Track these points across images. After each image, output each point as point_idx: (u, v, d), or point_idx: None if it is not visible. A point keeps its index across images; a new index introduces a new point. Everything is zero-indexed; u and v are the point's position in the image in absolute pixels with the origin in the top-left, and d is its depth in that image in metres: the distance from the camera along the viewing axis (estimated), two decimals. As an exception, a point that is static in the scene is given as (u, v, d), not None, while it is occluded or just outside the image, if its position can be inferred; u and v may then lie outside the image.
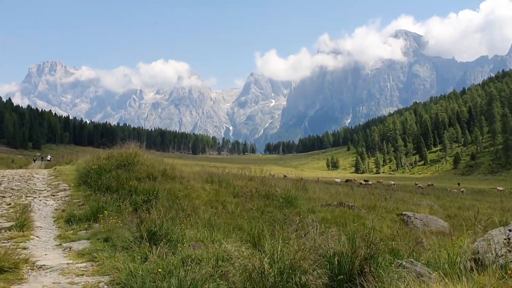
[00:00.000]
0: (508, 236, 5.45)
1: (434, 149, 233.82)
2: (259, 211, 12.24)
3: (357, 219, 12.32)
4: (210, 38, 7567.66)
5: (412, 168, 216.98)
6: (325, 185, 36.71)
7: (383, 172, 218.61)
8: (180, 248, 7.46)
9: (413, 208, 17.03)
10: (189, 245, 7.70)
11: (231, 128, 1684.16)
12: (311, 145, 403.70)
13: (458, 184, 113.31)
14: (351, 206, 14.59)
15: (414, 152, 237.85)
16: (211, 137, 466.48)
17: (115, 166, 15.97)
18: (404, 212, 14.24)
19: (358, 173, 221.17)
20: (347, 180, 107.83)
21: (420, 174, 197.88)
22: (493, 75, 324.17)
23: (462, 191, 76.25)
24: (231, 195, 14.72)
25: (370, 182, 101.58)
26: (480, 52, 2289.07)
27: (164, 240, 8.18)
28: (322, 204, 14.48)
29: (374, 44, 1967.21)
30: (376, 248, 5.85)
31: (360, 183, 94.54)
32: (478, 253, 5.35)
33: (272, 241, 6.58)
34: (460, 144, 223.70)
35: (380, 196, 22.87)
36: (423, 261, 6.15)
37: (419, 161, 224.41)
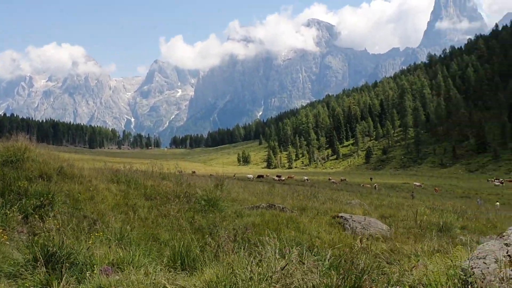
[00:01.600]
0: (507, 252, 4.75)
1: (346, 143, 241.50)
2: (178, 217, 11.00)
3: (291, 223, 11.52)
4: (109, 20, 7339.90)
5: (325, 162, 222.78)
6: (244, 183, 35.97)
7: (296, 167, 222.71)
8: (89, 276, 5.99)
9: (346, 208, 16.57)
10: (100, 271, 6.17)
11: (132, 119, 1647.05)
12: (221, 139, 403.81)
13: (371, 179, 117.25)
14: (282, 208, 13.77)
15: (327, 146, 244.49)
16: (110, 129, 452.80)
17: (0, 163, 14.03)
18: (340, 214, 13.63)
19: (270, 168, 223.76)
20: (259, 176, 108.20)
21: (332, 168, 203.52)
22: (404, 67, 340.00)
23: (375, 187, 78.61)
24: (143, 198, 13.35)
25: (283, 178, 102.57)
26: (393, 44, 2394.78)
27: (67, 263, 6.49)
28: (249, 207, 13.55)
29: (286, 33, 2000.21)
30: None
31: (273, 179, 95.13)
32: (474, 275, 4.57)
33: (214, 265, 5.45)
34: (372, 138, 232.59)
35: (307, 195, 22.37)
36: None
37: (332, 155, 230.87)
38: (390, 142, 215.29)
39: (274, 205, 13.86)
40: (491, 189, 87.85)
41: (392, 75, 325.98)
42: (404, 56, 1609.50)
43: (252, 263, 5.19)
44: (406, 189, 78.45)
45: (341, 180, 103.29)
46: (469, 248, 6.89)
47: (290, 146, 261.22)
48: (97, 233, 8.04)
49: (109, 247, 7.13)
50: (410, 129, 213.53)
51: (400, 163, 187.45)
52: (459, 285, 4.64)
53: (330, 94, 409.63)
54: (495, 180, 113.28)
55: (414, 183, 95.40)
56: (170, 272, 6.34)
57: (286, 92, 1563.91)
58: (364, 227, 12.40)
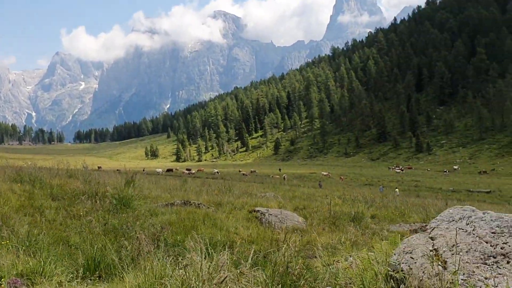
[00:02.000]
0: (433, 246, 4.78)
1: (255, 135, 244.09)
2: (88, 218, 10.40)
3: (208, 220, 11.27)
4: (6, 9, 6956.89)
5: (235, 154, 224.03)
6: (154, 178, 35.23)
7: (205, 160, 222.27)
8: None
9: (262, 201, 16.53)
10: (8, 284, 5.49)
11: (33, 114, 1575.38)
12: (127, 133, 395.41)
13: (280, 169, 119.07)
14: (198, 204, 13.48)
15: (236, 138, 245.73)
16: (10, 124, 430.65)
17: None
18: (257, 209, 13.54)
19: (179, 161, 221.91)
20: (168, 170, 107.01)
21: (242, 160, 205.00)
22: (309, 60, 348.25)
23: (284, 177, 79.88)
24: (49, 198, 12.56)
25: (193, 171, 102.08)
26: (297, 36, 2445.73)
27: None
28: (163, 204, 13.14)
29: (192, 25, 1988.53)
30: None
31: (183, 172, 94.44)
32: (402, 271, 4.57)
33: (134, 271, 5.07)
34: (280, 130, 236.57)
35: (221, 189, 22.17)
36: None
37: (241, 147, 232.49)
38: (297, 133, 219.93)
39: (190, 202, 13.55)
40: (392, 176, 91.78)
41: (298, 68, 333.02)
42: (309, 48, 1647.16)
43: (177, 269, 4.90)
44: (314, 179, 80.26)
45: (251, 171, 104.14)
46: (385, 240, 6.95)
47: (199, 139, 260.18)
48: (3, 241, 7.31)
49: (17, 256, 6.48)
50: (316, 120, 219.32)
51: (307, 153, 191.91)
52: (388, 282, 4.63)
53: (238, 86, 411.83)
54: (396, 168, 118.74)
55: (322, 172, 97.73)
56: (85, 280, 5.90)
57: (194, 85, 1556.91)
58: (281, 221, 12.40)
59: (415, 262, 4.60)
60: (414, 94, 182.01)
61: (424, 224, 14.69)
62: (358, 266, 5.13)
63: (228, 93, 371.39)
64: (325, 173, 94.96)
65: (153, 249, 6.89)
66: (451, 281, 4.07)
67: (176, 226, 10.50)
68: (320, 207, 16.18)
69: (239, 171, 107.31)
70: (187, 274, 4.53)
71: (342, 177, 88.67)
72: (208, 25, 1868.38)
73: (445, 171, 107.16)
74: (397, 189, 55.22)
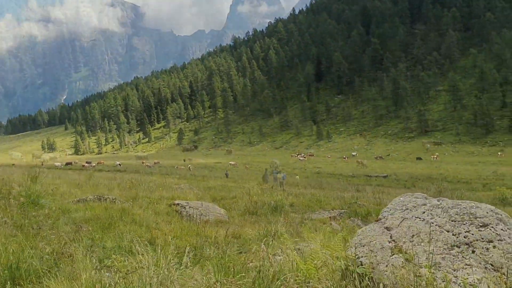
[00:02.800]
0: (391, 237, 4.50)
1: (157, 125, 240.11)
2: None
3: (125, 216, 10.53)
4: None
5: (136, 146, 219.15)
6: (57, 172, 33.35)
7: (106, 152, 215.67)
8: None
9: (179, 194, 15.90)
10: None
11: None
12: (22, 126, 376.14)
13: (184, 160, 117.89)
14: (113, 199, 12.66)
15: (138, 129, 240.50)
16: None
17: None
18: (176, 202, 12.94)
19: (78, 154, 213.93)
20: (67, 163, 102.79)
21: (144, 152, 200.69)
22: (211, 49, 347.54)
23: (189, 168, 79.26)
24: None
25: (93, 164, 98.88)
26: (198, 26, 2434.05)
27: None
28: (75, 200, 12.19)
29: (89, 13, 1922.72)
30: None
31: (83, 166, 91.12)
32: (362, 265, 4.24)
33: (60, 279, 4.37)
34: (183, 120, 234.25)
35: (134, 183, 21.19)
36: None
37: (143, 138, 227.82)
38: (201, 123, 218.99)
39: (103, 197, 12.71)
40: (295, 164, 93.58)
41: (200, 57, 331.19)
42: (210, 38, 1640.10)
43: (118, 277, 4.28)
44: (220, 169, 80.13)
45: (155, 163, 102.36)
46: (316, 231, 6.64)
47: (99, 130, 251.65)
48: None
49: None
50: (219, 110, 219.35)
51: (211, 143, 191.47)
52: (349, 278, 4.30)
53: (139, 76, 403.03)
54: (298, 155, 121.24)
55: (230, 162, 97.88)
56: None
57: (92, 75, 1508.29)
58: (202, 213, 11.90)
59: (376, 256, 4.31)
60: (314, 84, 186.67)
61: (343, 210, 14.79)
62: (307, 261, 4.76)
63: (128, 83, 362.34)
64: (232, 163, 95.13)
65: (74, 250, 6.20)
66: (422, 275, 3.81)
67: (92, 224, 9.72)
68: (240, 197, 15.85)
69: (142, 162, 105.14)
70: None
71: (247, 165, 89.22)
72: (106, 14, 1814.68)
73: (344, 157, 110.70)
74: (297, 176, 55.95)
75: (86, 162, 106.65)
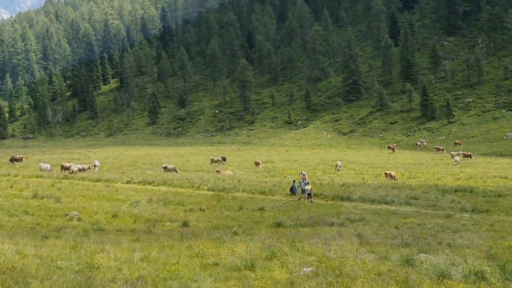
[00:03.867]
0: None
1: (105, 87, 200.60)
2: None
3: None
4: None
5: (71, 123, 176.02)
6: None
7: (13, 135, 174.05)
8: None
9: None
10: None
11: None
12: None
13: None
14: None
15: (69, 93, 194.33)
16: None
17: None
18: None
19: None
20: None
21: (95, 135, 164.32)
22: None
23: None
24: None
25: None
26: None
27: None
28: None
29: None
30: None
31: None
32: None
33: None
34: (150, 78, 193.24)
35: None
36: None
37: (81, 110, 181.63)
38: (188, 83, 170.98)
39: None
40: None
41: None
42: None
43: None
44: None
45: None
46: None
47: None
48: None
49: None
50: (221, 61, 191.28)
51: (211, 121, 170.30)
52: None
53: None
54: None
55: (258, 165, 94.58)
56: None
57: None
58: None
59: None
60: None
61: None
62: None
63: (37, 10, 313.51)
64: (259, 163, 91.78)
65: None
66: None
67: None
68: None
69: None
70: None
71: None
72: None
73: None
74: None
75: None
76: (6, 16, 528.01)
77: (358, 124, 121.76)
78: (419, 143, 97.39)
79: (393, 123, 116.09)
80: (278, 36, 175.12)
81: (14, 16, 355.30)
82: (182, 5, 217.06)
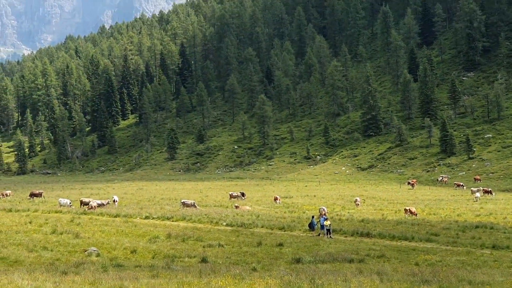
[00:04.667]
0: None
1: (124, 122, 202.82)
2: None
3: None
4: None
5: (88, 160, 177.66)
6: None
7: (33, 169, 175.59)
8: None
9: None
10: None
11: None
12: None
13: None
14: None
15: (89, 128, 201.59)
16: None
17: None
18: None
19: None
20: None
21: (103, 170, 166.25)
22: None
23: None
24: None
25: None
26: None
27: None
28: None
29: None
30: None
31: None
32: None
33: None
34: (170, 112, 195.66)
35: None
36: None
37: (101, 145, 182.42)
38: (206, 119, 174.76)
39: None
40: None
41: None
42: None
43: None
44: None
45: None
46: None
47: (19, 131, 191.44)
48: None
49: None
50: (239, 96, 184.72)
51: (230, 156, 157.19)
52: None
53: (72, 35, 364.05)
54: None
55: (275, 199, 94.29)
56: None
57: None
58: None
59: None
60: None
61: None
62: None
63: (57, 46, 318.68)
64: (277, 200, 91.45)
65: None
66: None
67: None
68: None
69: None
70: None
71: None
72: None
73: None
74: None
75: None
76: (27, 52, 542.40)
77: (377, 159, 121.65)
78: (440, 178, 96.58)
79: (413, 159, 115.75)
80: (297, 71, 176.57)
81: (35, 52, 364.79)
82: (201, 41, 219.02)
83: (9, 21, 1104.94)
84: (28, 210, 49.55)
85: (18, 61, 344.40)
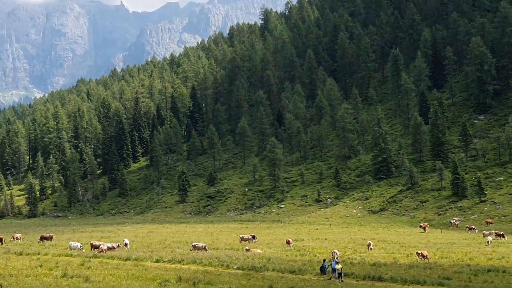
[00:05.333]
0: None
1: (135, 165, 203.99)
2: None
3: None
4: None
5: (99, 203, 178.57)
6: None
7: (43, 213, 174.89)
8: None
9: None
10: None
11: None
12: None
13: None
14: None
15: (101, 171, 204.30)
16: None
17: None
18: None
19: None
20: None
21: (113, 213, 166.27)
22: (195, 35, 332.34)
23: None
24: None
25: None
26: None
27: None
28: None
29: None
30: None
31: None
32: None
33: None
34: (181, 155, 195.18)
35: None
36: None
37: (112, 188, 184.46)
38: (217, 161, 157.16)
39: None
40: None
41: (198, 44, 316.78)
42: (187, 15, 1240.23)
43: None
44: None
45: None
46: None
47: (30, 174, 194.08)
48: None
49: None
50: (250, 138, 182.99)
51: (240, 199, 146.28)
52: None
53: (84, 78, 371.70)
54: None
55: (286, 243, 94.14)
56: None
57: None
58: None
59: None
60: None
61: None
62: None
63: (69, 89, 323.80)
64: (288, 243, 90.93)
65: None
66: None
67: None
68: None
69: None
70: None
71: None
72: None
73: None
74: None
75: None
76: (38, 95, 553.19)
77: (388, 202, 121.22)
78: (452, 221, 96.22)
79: (424, 202, 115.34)
80: (308, 114, 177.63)
81: (46, 95, 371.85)
82: (212, 84, 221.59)
83: (21, 65, 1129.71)
84: (39, 253, 49.90)
85: (29, 104, 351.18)
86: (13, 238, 73.39)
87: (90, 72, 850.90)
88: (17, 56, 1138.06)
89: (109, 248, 52.20)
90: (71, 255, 49.04)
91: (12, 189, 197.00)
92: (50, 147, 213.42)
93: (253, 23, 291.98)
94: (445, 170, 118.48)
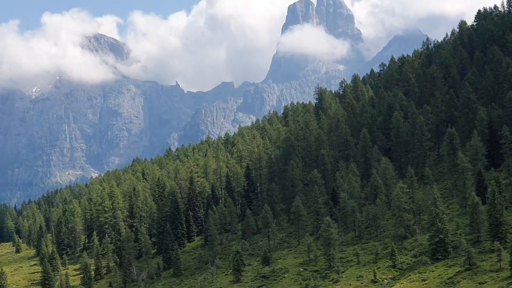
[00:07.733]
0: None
1: (189, 245, 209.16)
2: None
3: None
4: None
5: (153, 283, 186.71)
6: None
7: None
8: None
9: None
10: None
11: None
12: None
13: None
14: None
15: (155, 251, 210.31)
16: None
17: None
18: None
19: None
20: None
21: None
22: (249, 115, 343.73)
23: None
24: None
25: None
26: (221, 77, 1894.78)
27: None
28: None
29: (32, 55, 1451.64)
30: None
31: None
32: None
33: None
34: (235, 234, 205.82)
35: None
36: None
37: (167, 268, 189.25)
38: (272, 242, 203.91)
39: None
40: None
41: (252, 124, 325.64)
42: (241, 95, 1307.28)
43: None
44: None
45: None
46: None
47: (85, 254, 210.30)
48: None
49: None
50: (305, 218, 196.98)
51: (295, 279, 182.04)
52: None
53: (139, 157, 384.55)
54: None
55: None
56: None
57: (41, 157, 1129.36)
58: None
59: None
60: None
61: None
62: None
63: (125, 168, 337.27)
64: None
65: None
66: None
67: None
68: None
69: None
70: None
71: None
72: (63, 50, 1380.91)
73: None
74: None
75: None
76: (95, 174, 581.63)
77: (446, 283, 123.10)
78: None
79: (483, 283, 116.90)
80: (362, 193, 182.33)
81: (102, 174, 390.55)
82: (266, 163, 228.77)
83: (78, 145, 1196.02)
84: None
85: (86, 184, 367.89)
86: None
87: (146, 151, 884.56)
88: (75, 136, 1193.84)
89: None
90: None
91: (67, 268, 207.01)
92: (106, 226, 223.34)
93: (308, 102, 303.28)
94: (504, 251, 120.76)
